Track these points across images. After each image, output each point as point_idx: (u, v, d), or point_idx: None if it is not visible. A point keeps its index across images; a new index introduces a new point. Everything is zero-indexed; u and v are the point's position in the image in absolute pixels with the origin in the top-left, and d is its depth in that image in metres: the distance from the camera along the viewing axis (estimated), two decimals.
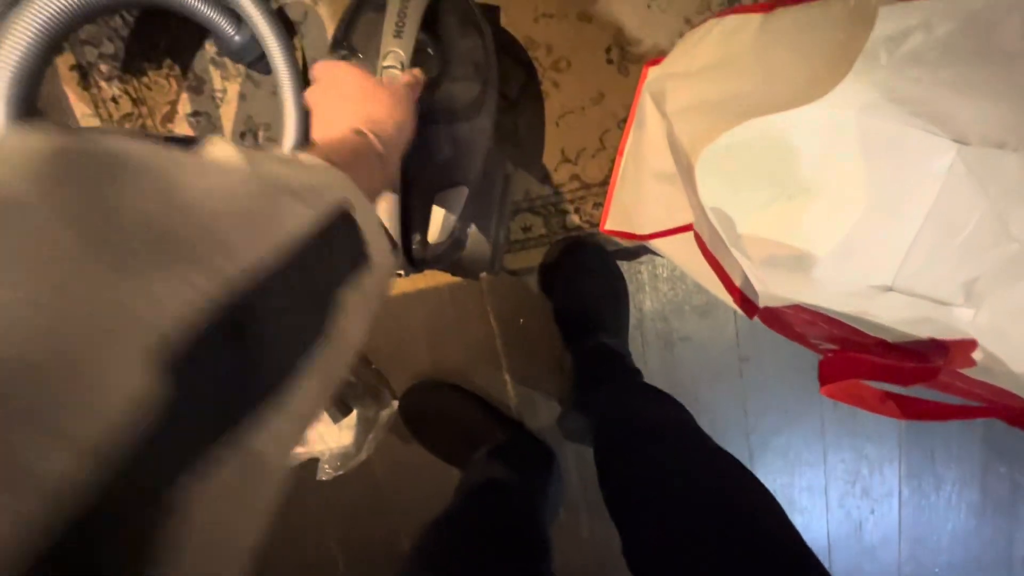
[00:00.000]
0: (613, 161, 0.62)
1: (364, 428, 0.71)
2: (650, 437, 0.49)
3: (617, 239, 0.65)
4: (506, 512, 0.54)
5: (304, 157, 0.25)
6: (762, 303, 0.37)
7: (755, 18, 0.44)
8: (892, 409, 0.39)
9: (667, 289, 0.73)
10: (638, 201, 0.55)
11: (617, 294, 0.68)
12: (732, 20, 0.46)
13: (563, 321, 0.68)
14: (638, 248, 0.69)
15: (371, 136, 0.31)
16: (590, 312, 0.65)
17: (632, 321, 0.72)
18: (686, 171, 0.39)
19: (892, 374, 0.36)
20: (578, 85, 0.62)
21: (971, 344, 0.37)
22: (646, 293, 0.73)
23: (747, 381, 0.78)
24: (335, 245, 0.20)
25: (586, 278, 0.65)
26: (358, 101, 0.35)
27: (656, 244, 0.56)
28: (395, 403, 0.74)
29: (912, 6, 0.31)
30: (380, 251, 0.24)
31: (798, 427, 0.81)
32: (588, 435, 0.60)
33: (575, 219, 0.68)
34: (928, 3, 0.31)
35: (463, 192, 0.45)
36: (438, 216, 0.45)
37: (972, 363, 0.37)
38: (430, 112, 0.43)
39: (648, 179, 0.52)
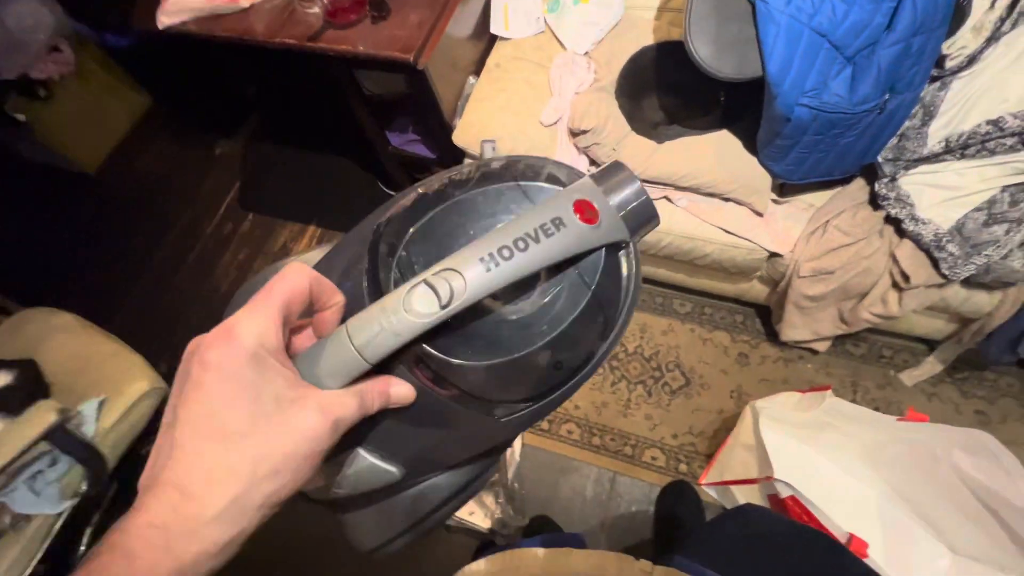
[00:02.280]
0: (718, 445, 1.09)
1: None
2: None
3: (706, 489, 1.05)
4: None
5: None
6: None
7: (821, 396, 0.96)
8: None
9: None
10: (729, 463, 0.99)
11: (701, 523, 1.03)
12: (806, 397, 0.99)
13: (666, 532, 1.02)
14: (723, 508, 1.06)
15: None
16: (685, 528, 1.00)
17: None
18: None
19: None
20: (711, 400, 1.16)
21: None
22: None
23: None
24: None
25: (683, 505, 1.03)
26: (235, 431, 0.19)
27: (735, 491, 0.96)
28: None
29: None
30: None
31: None
32: None
33: (684, 468, 1.10)
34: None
35: None
36: None
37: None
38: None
39: (738, 450, 0.97)
